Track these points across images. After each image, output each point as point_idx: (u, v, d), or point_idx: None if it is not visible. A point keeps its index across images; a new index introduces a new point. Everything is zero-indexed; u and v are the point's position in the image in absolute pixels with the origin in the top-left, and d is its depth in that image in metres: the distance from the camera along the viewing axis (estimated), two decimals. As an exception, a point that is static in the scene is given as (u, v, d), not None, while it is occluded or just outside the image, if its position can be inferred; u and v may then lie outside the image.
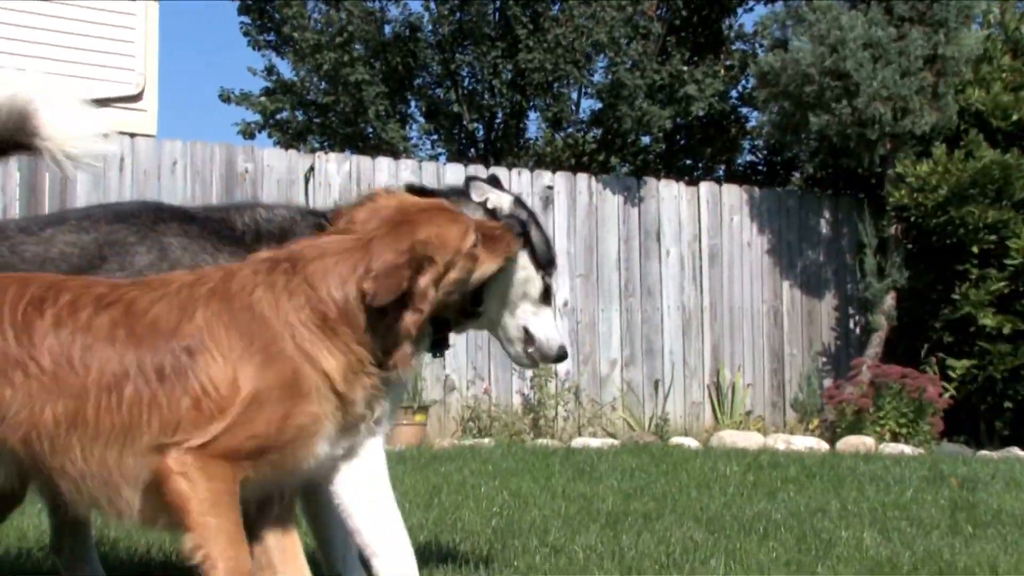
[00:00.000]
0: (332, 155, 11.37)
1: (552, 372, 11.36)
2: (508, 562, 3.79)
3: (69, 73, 13.14)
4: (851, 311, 12.98)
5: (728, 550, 4.08)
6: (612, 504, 5.43)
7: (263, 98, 16.08)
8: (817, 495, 5.92)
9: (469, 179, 3.44)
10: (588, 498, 5.67)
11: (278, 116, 16.20)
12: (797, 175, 15.35)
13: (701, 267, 12.44)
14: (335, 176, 11.04)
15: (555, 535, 4.42)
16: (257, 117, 16.31)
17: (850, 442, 10.21)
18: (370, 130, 15.16)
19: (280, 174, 10.84)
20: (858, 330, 12.92)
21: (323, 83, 15.54)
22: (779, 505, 5.50)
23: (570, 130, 16.74)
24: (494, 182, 3.47)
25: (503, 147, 16.03)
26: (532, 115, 16.49)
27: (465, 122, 15.78)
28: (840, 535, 4.49)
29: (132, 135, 10.82)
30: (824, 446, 10.31)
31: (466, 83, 15.90)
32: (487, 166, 12.24)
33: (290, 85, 15.97)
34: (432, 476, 6.69)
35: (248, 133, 16.26)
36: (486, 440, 10.17)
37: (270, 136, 16.28)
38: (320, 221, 3.19)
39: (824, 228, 13.06)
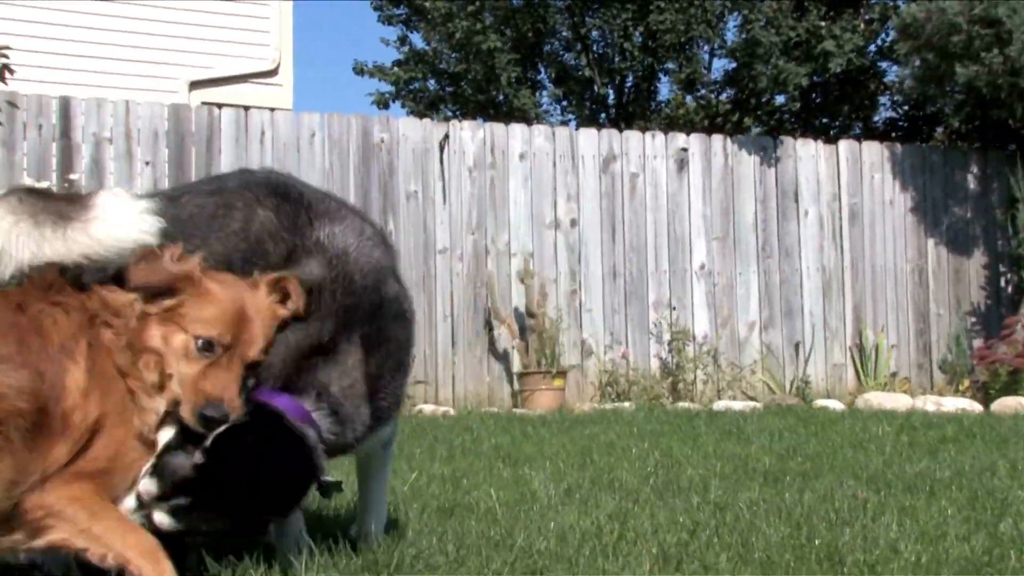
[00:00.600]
0: (466, 123, 11.40)
1: (690, 336, 11.25)
2: (673, 519, 3.74)
3: (208, 51, 13.50)
4: (1002, 269, 12.49)
5: (898, 507, 3.97)
6: (768, 463, 5.33)
7: (396, 69, 16.24)
8: (981, 455, 5.71)
9: None
10: (742, 458, 5.58)
11: (411, 86, 16.36)
12: (940, 130, 14.80)
13: (841, 227, 12.13)
14: (469, 144, 11.07)
15: (715, 492, 4.36)
16: (391, 88, 16.50)
17: (1007, 403, 9.84)
18: (501, 97, 15.19)
19: (415, 143, 10.93)
20: (1010, 288, 12.43)
21: (455, 52, 15.61)
22: (942, 464, 5.32)
23: (703, 91, 16.48)
24: None
25: (634, 111, 15.87)
26: (663, 77, 16.28)
27: (596, 87, 15.66)
28: (1017, 494, 4.31)
29: (272, 109, 11.04)
30: (977, 407, 9.96)
31: (596, 47, 15.78)
32: (619, 130, 12.14)
33: (422, 55, 16.10)
34: (578, 438, 6.68)
35: (382, 103, 16.47)
36: (625, 404, 10.13)
37: (403, 106, 16.45)
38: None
39: (971, 183, 12.58)
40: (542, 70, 16.36)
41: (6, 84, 7.03)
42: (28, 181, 9.43)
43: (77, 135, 9.83)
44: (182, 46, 13.23)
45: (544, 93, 16.41)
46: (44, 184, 9.43)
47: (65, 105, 9.83)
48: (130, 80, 11.97)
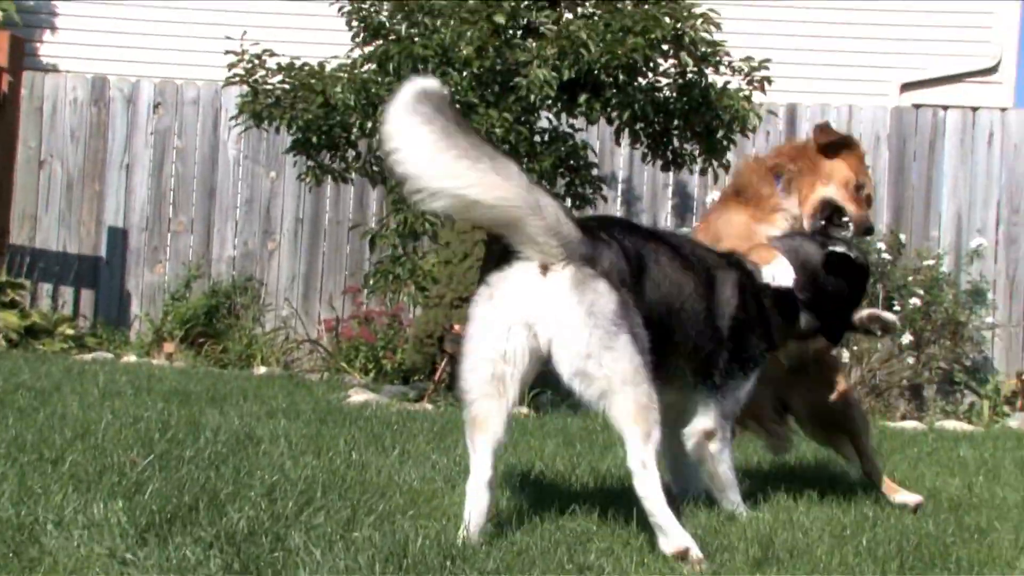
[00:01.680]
0: None
1: None
2: None
3: (925, 51, 13.17)
4: None
5: None
6: None
7: None
8: None
9: None
10: None
11: None
12: None
13: None
14: None
15: None
16: None
17: None
18: None
19: None
20: None
21: None
22: None
23: None
24: None
25: None
26: None
27: None
28: None
29: (1003, 109, 10.49)
30: None
31: None
32: None
33: None
34: None
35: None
36: None
37: None
38: None
39: None
40: None
41: (764, 94, 7.41)
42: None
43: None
44: (896, 48, 13.06)
45: None
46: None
47: (792, 112, 10.17)
48: (848, 85, 12.06)
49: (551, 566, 2.83)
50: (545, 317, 3.18)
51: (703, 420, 3.75)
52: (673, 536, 3.08)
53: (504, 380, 3.21)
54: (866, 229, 4.35)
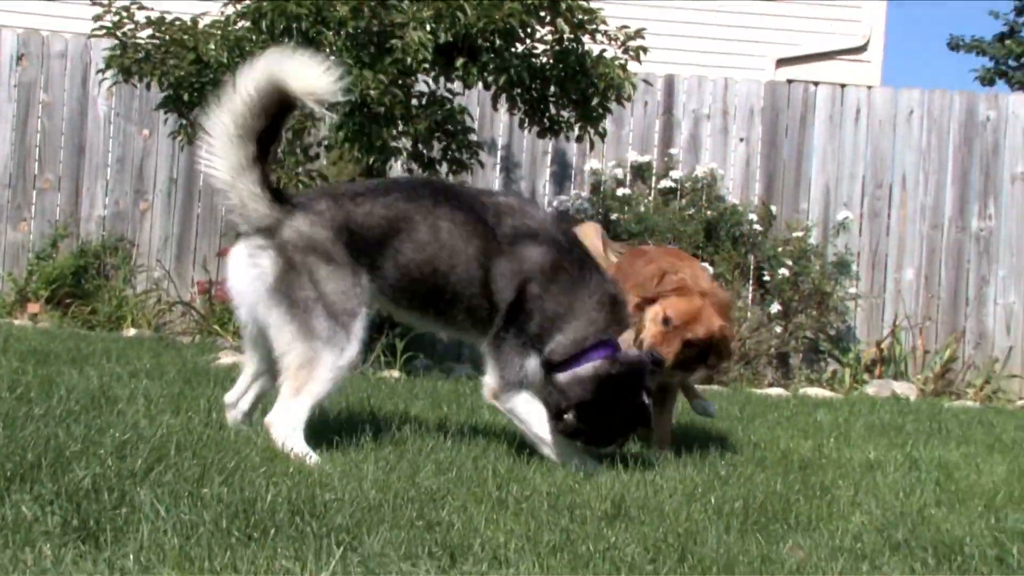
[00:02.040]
0: (1086, 99, 10.37)
1: None
2: None
3: (799, 28, 13.47)
4: None
5: None
6: None
7: (1008, 41, 15.18)
8: None
9: None
10: None
11: (1020, 60, 15.23)
12: None
13: None
14: (1095, 122, 10.08)
15: None
16: (990, 64, 15.49)
17: None
18: None
19: (1027, 121, 10.15)
20: None
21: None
22: None
23: None
24: None
25: None
26: None
27: None
28: None
29: (868, 87, 10.81)
30: None
31: None
32: None
33: (1034, 25, 14.96)
34: None
35: (987, 80, 15.51)
36: None
37: (1009, 83, 15.37)
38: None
39: None
40: None
41: (640, 64, 7.50)
42: (632, 155, 10.06)
43: (678, 111, 10.28)
44: (772, 24, 13.32)
45: None
46: (645, 159, 10.01)
47: (669, 83, 10.31)
48: (725, 59, 12.27)
49: (400, 522, 2.85)
50: (233, 286, 3.90)
51: (489, 377, 4.01)
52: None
53: (251, 338, 3.97)
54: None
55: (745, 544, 2.98)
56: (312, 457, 3.64)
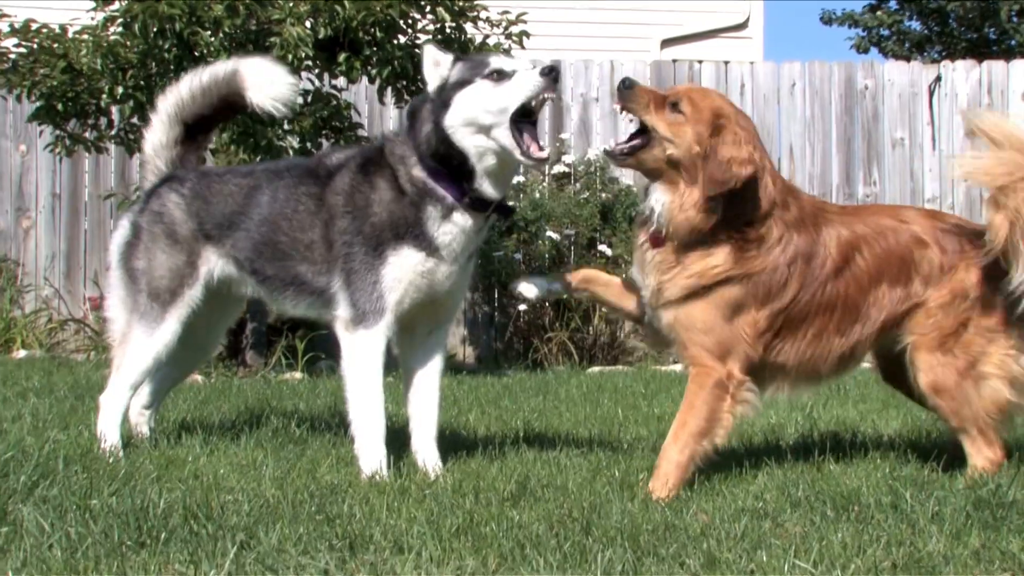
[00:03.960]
0: (960, 63, 10.66)
1: None
2: None
3: (682, 8, 13.64)
4: None
5: None
6: None
7: (879, 12, 15.57)
8: None
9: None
10: None
11: (891, 28, 15.63)
12: None
13: None
14: (963, 85, 10.37)
15: None
16: (864, 33, 15.87)
17: None
18: (993, 34, 14.11)
19: (901, 88, 10.40)
20: None
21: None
22: None
23: None
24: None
25: None
26: None
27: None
28: None
29: (751, 62, 10.98)
30: None
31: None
32: None
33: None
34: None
35: (862, 49, 15.90)
36: None
37: (882, 51, 15.78)
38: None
39: None
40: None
41: (524, 49, 7.48)
42: (524, 142, 10.04)
43: (567, 96, 10.31)
44: (655, 6, 13.47)
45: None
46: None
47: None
48: (609, 42, 12.36)
49: (300, 517, 2.79)
50: None
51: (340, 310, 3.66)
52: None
53: None
54: None
55: (649, 513, 2.99)
56: (111, 443, 3.66)
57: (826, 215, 3.55)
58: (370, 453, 3.50)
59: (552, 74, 3.48)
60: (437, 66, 3.59)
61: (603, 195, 9.83)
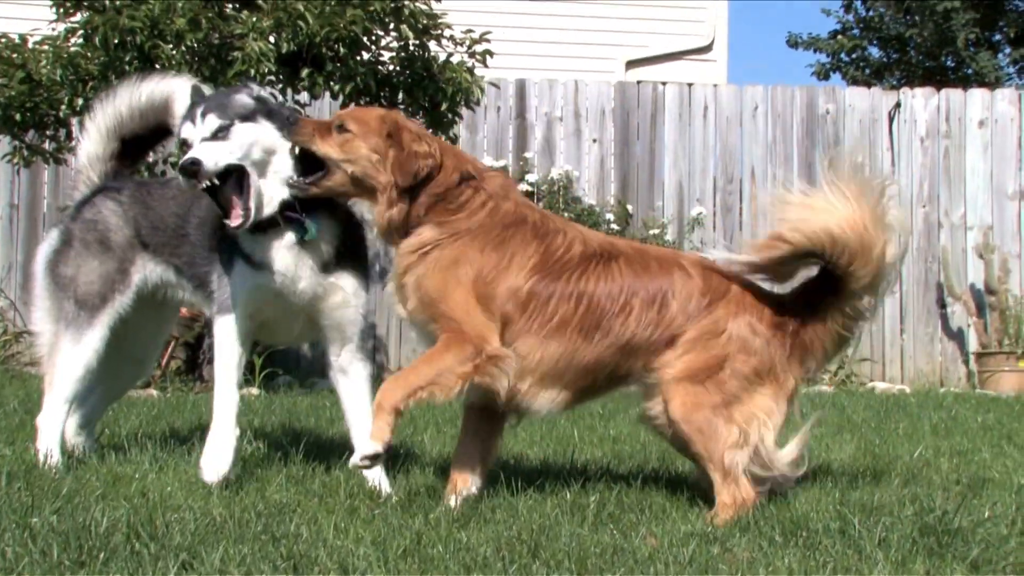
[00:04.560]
0: (919, 91, 10.80)
1: None
2: None
3: (647, 30, 13.71)
4: None
5: None
6: None
7: (839, 38, 15.72)
8: None
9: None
10: None
11: (852, 55, 15.79)
12: None
13: None
14: (921, 112, 10.50)
15: None
16: (828, 59, 16.05)
17: None
18: (951, 62, 14.28)
19: (862, 113, 10.53)
20: None
21: (904, 16, 14.87)
22: None
23: None
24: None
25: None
26: None
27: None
28: None
29: (715, 85, 11.05)
30: None
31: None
32: (1095, 91, 11.00)
33: (868, 21, 15.49)
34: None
35: (823, 74, 16.06)
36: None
37: (844, 77, 15.94)
38: None
39: None
40: (1000, 31, 15.18)
41: (487, 68, 7.50)
42: (488, 160, 10.06)
43: (531, 115, 10.34)
44: (620, 27, 13.54)
45: (1003, 55, 15.22)
46: (500, 163, 10.03)
47: (521, 87, 10.37)
48: (574, 62, 12.41)
49: (245, 536, 2.76)
50: None
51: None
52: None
53: None
54: None
55: (599, 536, 2.98)
56: (54, 461, 3.62)
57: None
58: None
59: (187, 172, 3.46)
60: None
61: (566, 214, 9.85)
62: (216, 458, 3.46)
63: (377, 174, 3.39)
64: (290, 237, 3.58)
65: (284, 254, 3.58)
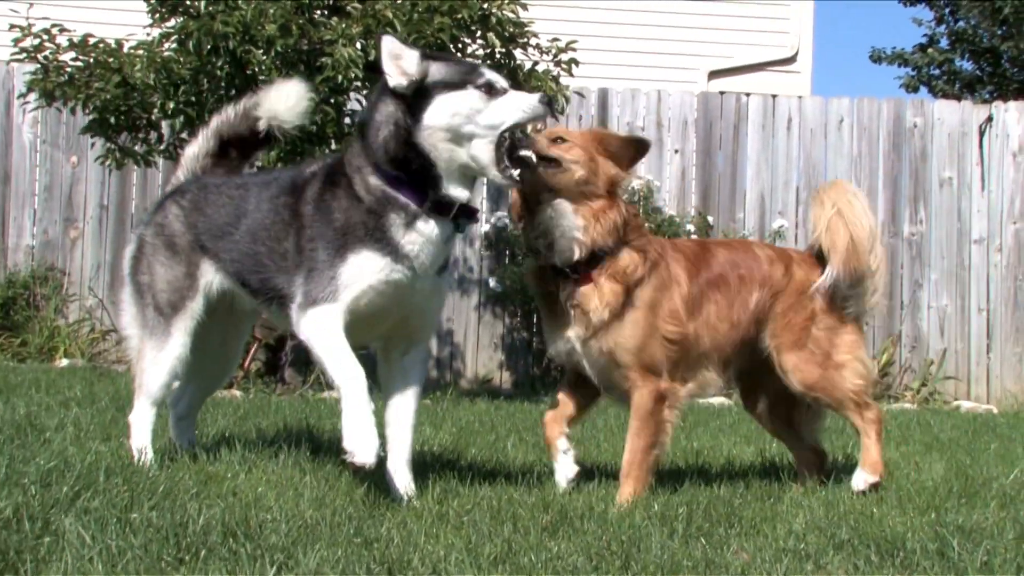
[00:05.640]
0: (1012, 104, 10.56)
1: None
2: None
3: (730, 41, 13.61)
4: None
5: None
6: None
7: (929, 51, 15.45)
8: None
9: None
10: None
11: (941, 67, 15.51)
12: None
13: None
14: (1015, 126, 10.27)
15: None
16: (913, 72, 15.78)
17: None
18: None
19: (951, 127, 10.32)
20: None
21: (1000, 27, 14.55)
22: None
23: None
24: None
25: None
26: None
27: None
28: None
29: (799, 97, 10.92)
30: None
31: None
32: None
33: (960, 34, 15.21)
34: None
35: (912, 87, 15.81)
36: None
37: (931, 90, 15.67)
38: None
39: None
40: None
41: (572, 77, 7.50)
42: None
43: (613, 124, 10.31)
44: (703, 37, 13.46)
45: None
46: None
47: (603, 96, 10.35)
48: (656, 72, 12.36)
49: (338, 539, 2.78)
50: None
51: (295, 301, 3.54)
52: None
53: None
54: None
55: (689, 549, 2.95)
56: (148, 458, 3.65)
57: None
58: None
59: (551, 105, 3.50)
60: (398, 59, 3.32)
61: (647, 224, 9.79)
62: (364, 440, 3.21)
63: (596, 179, 3.73)
64: (445, 230, 3.41)
65: (430, 248, 3.39)
